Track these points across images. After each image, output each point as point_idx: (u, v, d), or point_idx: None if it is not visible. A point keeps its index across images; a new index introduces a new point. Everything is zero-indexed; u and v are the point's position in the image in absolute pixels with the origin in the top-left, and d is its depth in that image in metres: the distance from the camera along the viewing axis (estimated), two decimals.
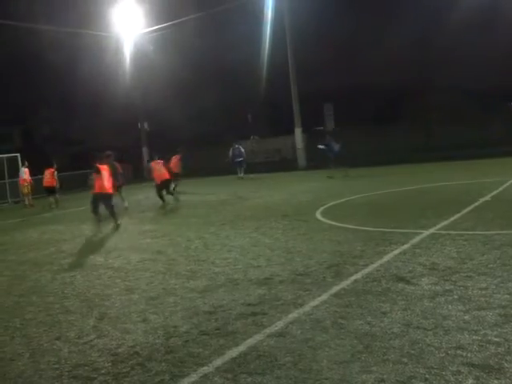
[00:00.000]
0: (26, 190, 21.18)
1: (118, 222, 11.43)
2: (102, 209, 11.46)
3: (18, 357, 4.38)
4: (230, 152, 24.15)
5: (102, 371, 3.91)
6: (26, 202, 21.22)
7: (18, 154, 24.14)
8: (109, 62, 31.85)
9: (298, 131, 27.78)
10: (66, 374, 3.93)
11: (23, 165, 22.05)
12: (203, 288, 5.82)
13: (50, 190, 18.77)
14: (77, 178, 25.39)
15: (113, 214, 11.40)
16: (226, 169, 25.62)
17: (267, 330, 4.34)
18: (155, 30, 31.74)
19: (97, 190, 11.18)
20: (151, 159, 18.29)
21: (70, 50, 30.74)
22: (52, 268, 7.93)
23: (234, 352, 3.97)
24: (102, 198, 11.22)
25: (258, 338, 4.20)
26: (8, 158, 24.25)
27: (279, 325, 4.44)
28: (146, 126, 34.92)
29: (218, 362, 3.84)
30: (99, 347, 4.39)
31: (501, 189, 11.48)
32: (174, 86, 32.06)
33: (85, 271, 7.44)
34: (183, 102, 32.90)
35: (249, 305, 5.04)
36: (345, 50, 29.10)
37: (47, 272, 7.66)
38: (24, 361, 4.28)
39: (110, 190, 11.41)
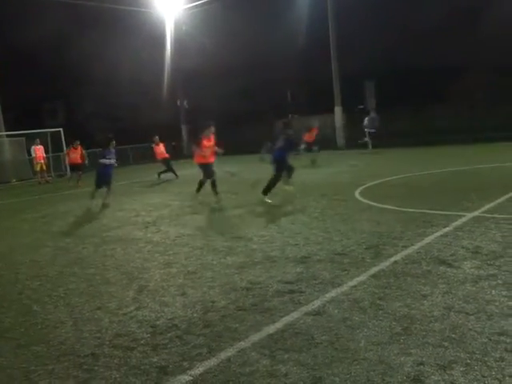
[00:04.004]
0: (37, 168, 21.58)
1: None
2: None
3: (61, 324, 4.52)
4: (366, 121, 22.31)
5: (141, 342, 3.99)
6: (39, 180, 21.65)
7: (61, 129, 24.73)
8: (149, 39, 32.03)
9: (337, 110, 27.38)
10: (107, 343, 4.04)
11: (35, 143, 21.86)
12: (240, 264, 5.84)
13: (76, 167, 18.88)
14: (118, 153, 25.88)
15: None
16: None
17: (304, 308, 4.32)
18: (196, 6, 31.63)
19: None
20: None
21: (111, 26, 31.05)
22: (93, 241, 8.13)
23: (270, 328, 3.98)
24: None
25: (295, 315, 4.20)
26: (52, 133, 24.92)
27: (316, 303, 4.42)
28: (185, 103, 35.10)
29: (255, 337, 3.86)
30: (138, 318, 4.49)
31: None
32: (213, 64, 31.98)
33: (125, 244, 7.59)
34: (222, 79, 32.82)
35: (286, 282, 5.04)
36: (388, 27, 28.15)
37: (89, 244, 7.86)
38: (67, 329, 4.41)
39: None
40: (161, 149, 18.16)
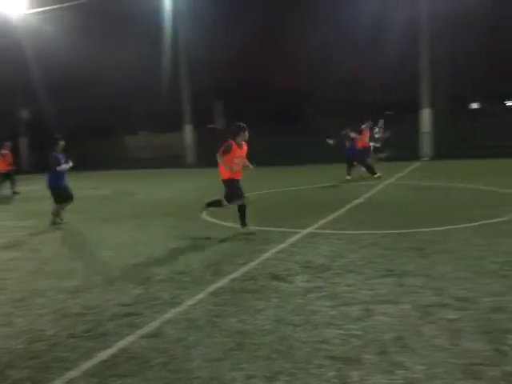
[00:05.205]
0: None
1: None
2: None
3: None
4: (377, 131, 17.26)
5: None
6: None
7: None
8: None
9: (187, 128, 27.70)
10: None
11: None
12: (75, 288, 5.55)
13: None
14: None
15: None
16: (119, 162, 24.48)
17: (140, 331, 4.25)
18: (43, 12, 29.63)
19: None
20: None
21: None
22: None
23: (103, 355, 3.84)
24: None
25: (130, 339, 4.10)
26: None
27: (154, 325, 4.37)
28: (25, 113, 32.62)
29: (86, 365, 3.69)
30: None
31: (373, 191, 12.40)
32: (61, 73, 30.15)
33: None
34: (70, 90, 31.14)
35: (123, 305, 4.90)
36: (242, 49, 29.13)
37: None
38: None
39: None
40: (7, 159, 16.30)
